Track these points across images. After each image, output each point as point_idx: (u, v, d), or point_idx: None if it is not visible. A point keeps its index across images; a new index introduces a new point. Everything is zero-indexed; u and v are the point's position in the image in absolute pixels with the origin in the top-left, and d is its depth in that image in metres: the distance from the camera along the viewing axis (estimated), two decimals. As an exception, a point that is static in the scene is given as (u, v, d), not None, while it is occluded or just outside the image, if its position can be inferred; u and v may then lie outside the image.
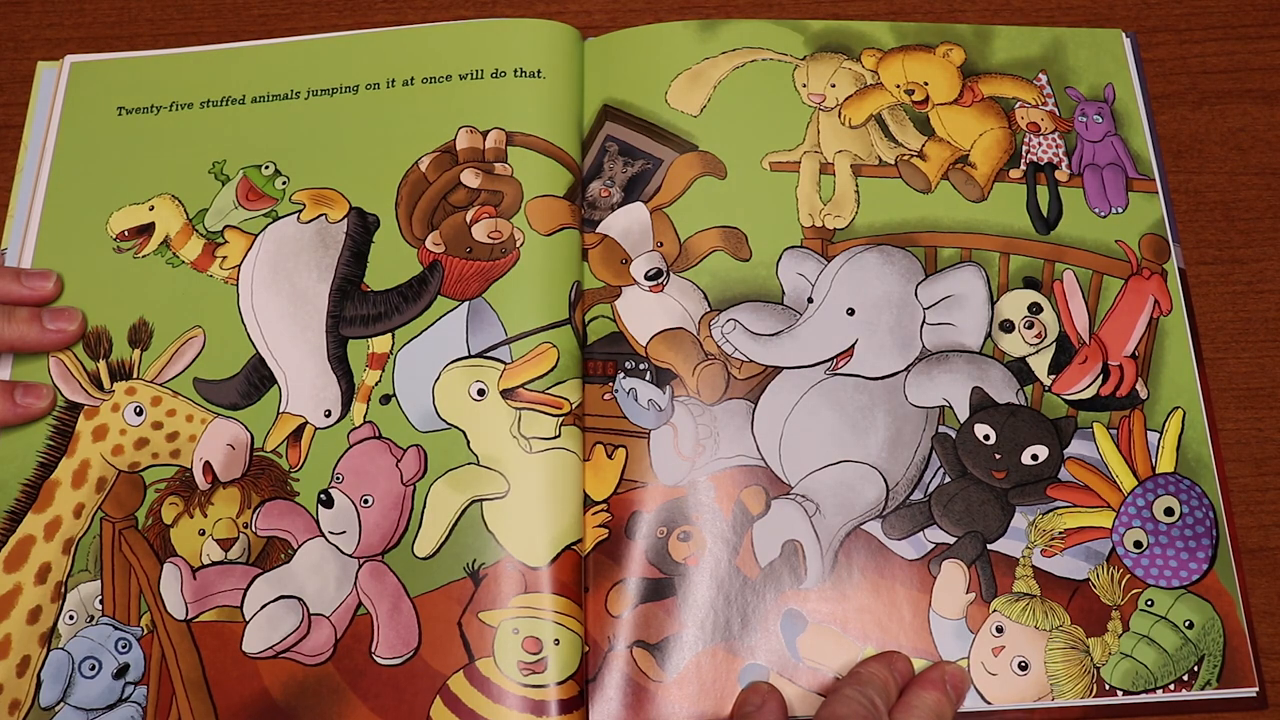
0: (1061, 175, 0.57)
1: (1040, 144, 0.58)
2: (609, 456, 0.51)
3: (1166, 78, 0.62)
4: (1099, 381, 0.53)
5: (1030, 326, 0.54)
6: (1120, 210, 0.57)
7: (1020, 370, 0.53)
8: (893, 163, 0.57)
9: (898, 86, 0.59)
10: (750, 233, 0.55)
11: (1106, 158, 0.58)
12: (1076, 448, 0.52)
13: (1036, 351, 0.54)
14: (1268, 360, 0.56)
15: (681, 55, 0.59)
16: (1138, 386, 0.53)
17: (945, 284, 0.55)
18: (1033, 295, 0.55)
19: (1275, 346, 0.57)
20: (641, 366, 0.53)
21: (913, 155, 0.57)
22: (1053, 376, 0.53)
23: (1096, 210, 0.56)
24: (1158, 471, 0.52)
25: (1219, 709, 0.49)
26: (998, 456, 0.52)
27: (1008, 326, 0.54)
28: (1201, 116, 0.61)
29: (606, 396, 0.53)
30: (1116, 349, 0.54)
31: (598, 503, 0.51)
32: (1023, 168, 0.57)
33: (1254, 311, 0.57)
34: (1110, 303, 0.55)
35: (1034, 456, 0.52)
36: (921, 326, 0.54)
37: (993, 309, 0.54)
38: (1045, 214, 0.56)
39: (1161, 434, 0.53)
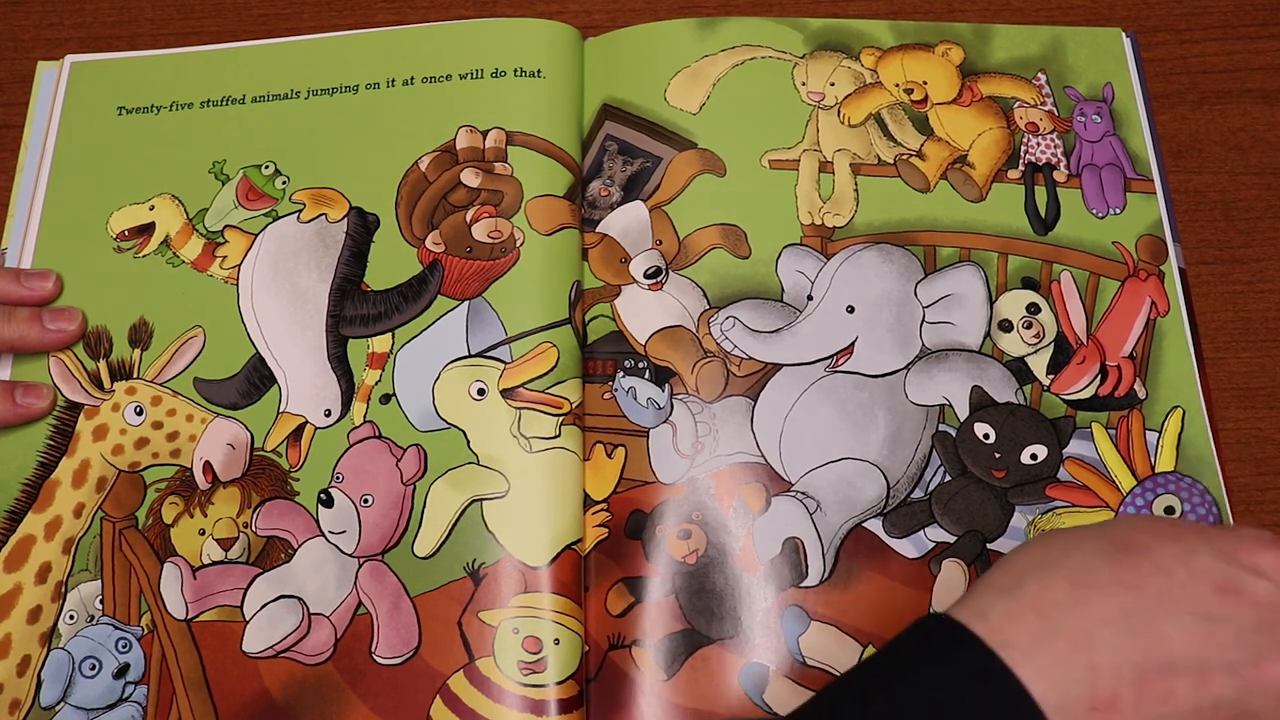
0: (1060, 176, 0.57)
1: (1039, 144, 0.58)
2: (609, 456, 0.51)
3: (1166, 78, 0.62)
4: (1097, 381, 0.53)
5: (1029, 326, 0.54)
6: (1118, 211, 0.56)
7: (1019, 370, 0.53)
8: (891, 162, 0.57)
9: (897, 85, 0.59)
10: (749, 230, 0.55)
11: (1105, 158, 0.58)
12: (1075, 448, 0.52)
13: (1035, 351, 0.54)
14: (1268, 360, 0.56)
15: (681, 53, 0.59)
16: (1135, 387, 0.53)
17: (944, 283, 0.55)
18: (1031, 295, 0.55)
19: (1275, 346, 0.57)
20: (641, 365, 0.53)
21: (911, 155, 0.57)
22: (1051, 376, 0.53)
23: (1094, 211, 0.56)
24: (1157, 471, 0.52)
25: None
26: (997, 455, 0.52)
27: (1006, 326, 0.54)
28: (1201, 116, 0.61)
29: (606, 396, 0.53)
30: (1114, 349, 0.54)
31: (597, 502, 0.51)
32: (1021, 168, 0.57)
33: (1254, 311, 0.57)
34: (1107, 304, 0.55)
35: (1033, 456, 0.52)
36: (921, 325, 0.54)
37: (991, 308, 0.54)
38: (1043, 215, 0.56)
39: (1160, 433, 0.53)
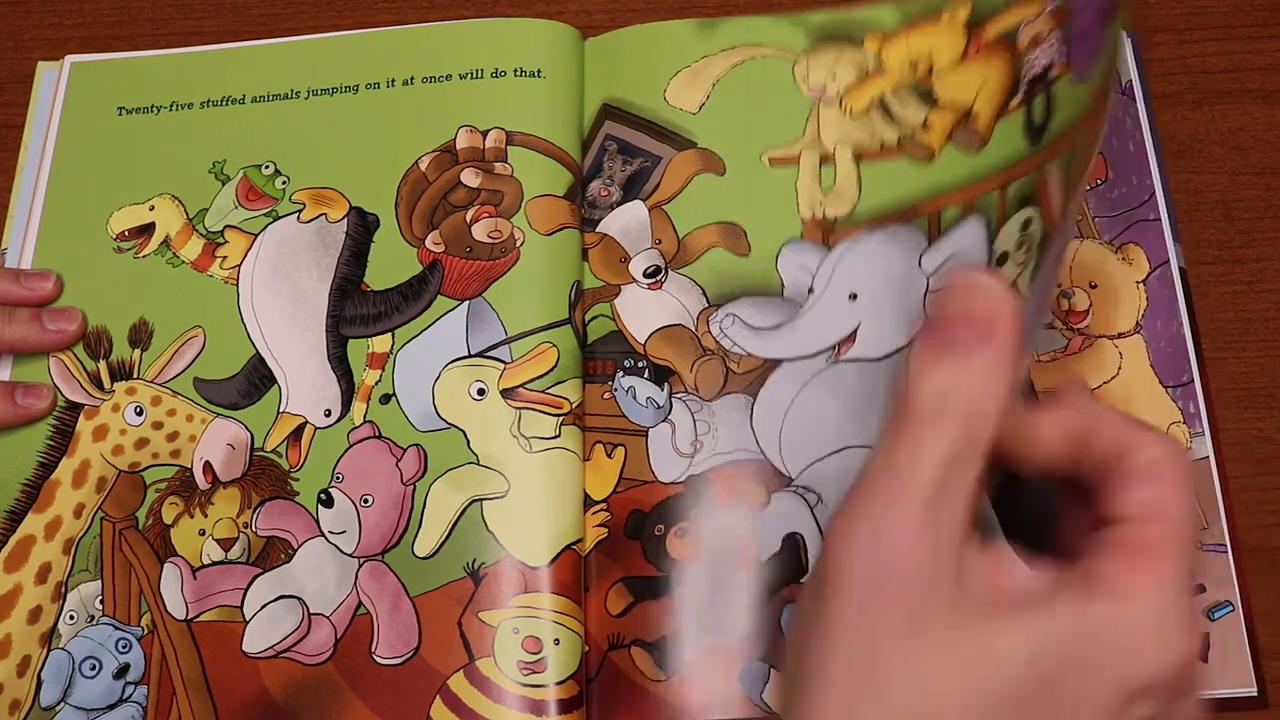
0: (1058, 70, 0.52)
1: (1039, 55, 0.53)
2: (608, 455, 0.51)
3: (1166, 78, 0.62)
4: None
5: (1020, 245, 0.51)
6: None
7: None
8: (896, 143, 0.56)
9: (902, 65, 0.57)
10: (750, 228, 0.55)
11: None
12: None
13: (1026, 268, 0.51)
14: (1268, 360, 0.56)
15: (681, 53, 0.58)
16: None
17: (947, 246, 0.53)
18: (1026, 213, 0.51)
19: (1275, 346, 0.56)
20: (640, 364, 0.53)
21: (916, 130, 0.56)
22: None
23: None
24: None
25: (1218, 708, 0.49)
26: None
27: (1003, 259, 0.52)
28: (1201, 116, 0.61)
29: (606, 395, 0.53)
30: None
31: (597, 502, 0.51)
32: (1021, 93, 0.53)
33: (1254, 311, 0.57)
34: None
35: None
36: (925, 295, 0.53)
37: (991, 249, 0.52)
38: (1037, 122, 0.53)
39: None
